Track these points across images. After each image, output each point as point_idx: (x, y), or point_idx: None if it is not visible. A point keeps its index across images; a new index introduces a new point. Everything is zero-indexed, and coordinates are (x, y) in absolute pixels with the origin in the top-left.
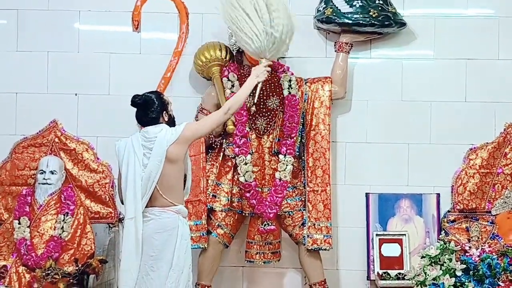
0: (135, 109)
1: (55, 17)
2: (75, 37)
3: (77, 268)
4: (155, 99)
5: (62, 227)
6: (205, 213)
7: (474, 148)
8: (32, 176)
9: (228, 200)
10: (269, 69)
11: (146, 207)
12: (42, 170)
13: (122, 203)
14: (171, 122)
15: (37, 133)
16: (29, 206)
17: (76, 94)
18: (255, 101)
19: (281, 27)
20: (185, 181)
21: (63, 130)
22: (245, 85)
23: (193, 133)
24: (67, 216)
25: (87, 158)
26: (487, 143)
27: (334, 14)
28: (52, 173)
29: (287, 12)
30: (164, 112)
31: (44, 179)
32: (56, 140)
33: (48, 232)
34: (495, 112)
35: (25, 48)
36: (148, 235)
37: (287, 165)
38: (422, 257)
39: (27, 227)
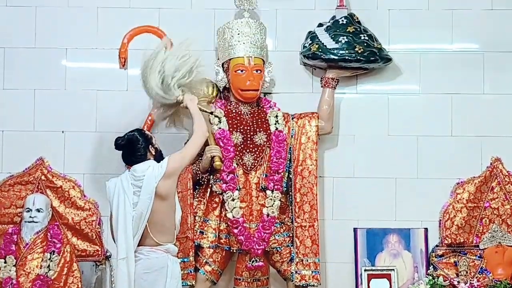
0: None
1: (42, 54)
2: (62, 74)
3: None
4: (138, 136)
5: (49, 265)
6: (193, 250)
7: (461, 182)
8: (18, 214)
9: (216, 237)
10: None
11: (136, 246)
12: (28, 208)
13: (115, 243)
14: (159, 156)
15: (23, 170)
16: (15, 244)
17: (63, 132)
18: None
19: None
20: None
21: (50, 167)
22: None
23: (180, 163)
24: (53, 254)
25: (74, 196)
26: (474, 177)
27: (320, 50)
28: (39, 211)
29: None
30: (150, 146)
31: (30, 217)
32: (43, 177)
33: (35, 271)
34: (481, 146)
35: (12, 86)
36: (137, 276)
37: (274, 201)
38: None
39: (13, 266)
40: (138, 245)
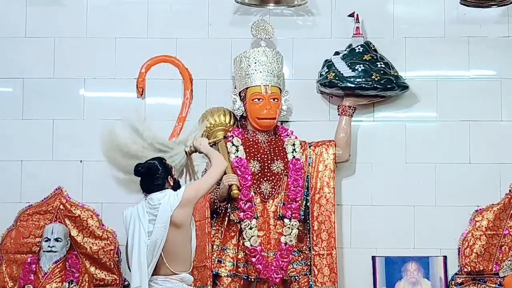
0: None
1: (61, 85)
2: (80, 104)
3: None
4: (158, 165)
5: None
6: (211, 279)
7: (480, 209)
8: (37, 244)
9: (234, 266)
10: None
11: (151, 275)
12: (47, 237)
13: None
14: (176, 187)
15: (42, 200)
16: (34, 274)
17: (81, 161)
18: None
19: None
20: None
21: (68, 197)
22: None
23: (195, 192)
24: (72, 284)
25: (92, 225)
26: (493, 204)
27: (337, 78)
28: (57, 241)
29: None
30: (169, 177)
31: (49, 246)
32: (61, 207)
33: None
34: (500, 173)
35: (31, 116)
36: None
37: (292, 229)
38: None
39: None
40: (153, 274)
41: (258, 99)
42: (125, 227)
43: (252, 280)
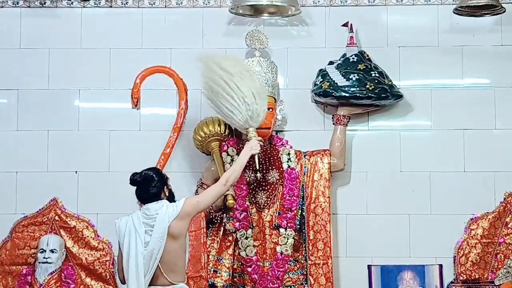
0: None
1: (55, 96)
2: (75, 115)
3: None
4: (154, 175)
5: None
6: None
7: (475, 218)
8: (33, 255)
9: (230, 276)
10: (260, 138)
11: (148, 285)
12: (42, 249)
13: (122, 283)
14: (171, 197)
15: (37, 211)
16: (29, 285)
17: (76, 172)
18: (259, 168)
19: (250, 94)
20: None
21: (63, 208)
22: (240, 157)
23: (194, 207)
24: None
25: (87, 236)
26: (488, 212)
27: (331, 87)
28: (53, 252)
29: (251, 76)
30: (165, 187)
31: (44, 258)
32: (56, 218)
33: None
34: (494, 181)
35: (26, 127)
36: None
37: (288, 239)
38: None
39: None
40: (150, 285)
41: None
42: (118, 237)
43: None
